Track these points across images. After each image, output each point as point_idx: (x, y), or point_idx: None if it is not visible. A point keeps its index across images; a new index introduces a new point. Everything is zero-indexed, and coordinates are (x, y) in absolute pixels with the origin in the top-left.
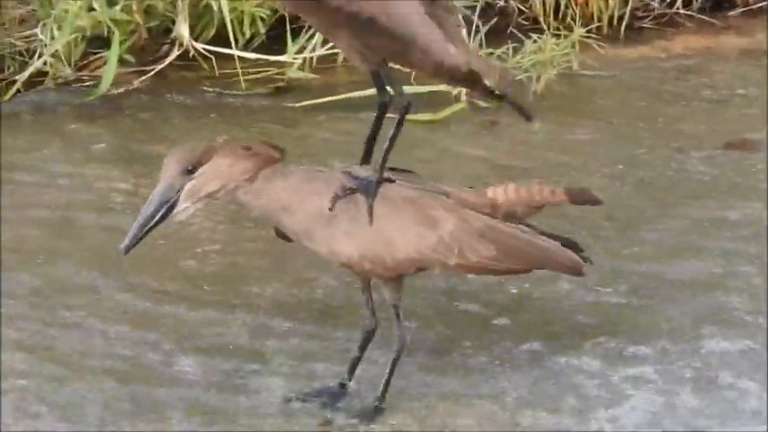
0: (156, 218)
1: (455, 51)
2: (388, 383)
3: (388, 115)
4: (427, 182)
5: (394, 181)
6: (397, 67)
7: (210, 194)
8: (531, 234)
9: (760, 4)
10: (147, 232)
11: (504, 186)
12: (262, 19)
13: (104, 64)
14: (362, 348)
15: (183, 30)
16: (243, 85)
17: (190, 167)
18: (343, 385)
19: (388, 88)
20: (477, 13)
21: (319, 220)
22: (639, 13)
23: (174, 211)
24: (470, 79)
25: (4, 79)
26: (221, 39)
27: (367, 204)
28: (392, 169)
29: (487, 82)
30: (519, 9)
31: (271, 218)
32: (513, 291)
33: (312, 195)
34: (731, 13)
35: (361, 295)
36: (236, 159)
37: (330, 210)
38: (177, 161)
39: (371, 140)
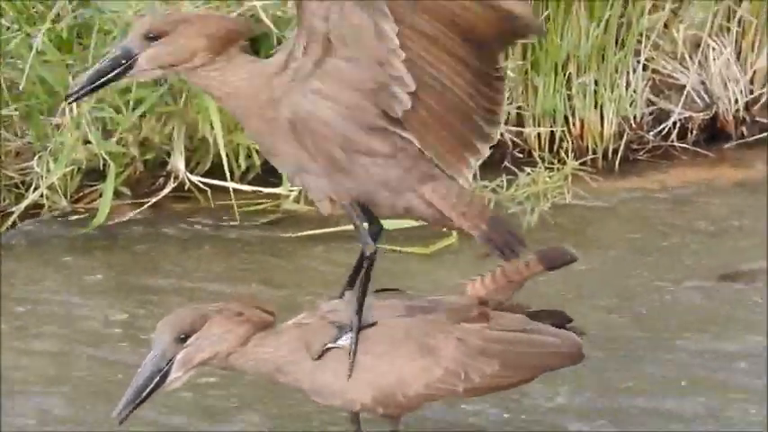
0: (150, 387)
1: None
2: None
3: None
4: (414, 298)
5: (375, 323)
6: None
7: (204, 362)
8: (527, 330)
9: (756, 137)
10: (141, 402)
11: (480, 279)
12: (257, 151)
13: (100, 196)
14: None
15: (178, 162)
16: (238, 217)
17: (182, 335)
18: None
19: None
20: None
21: (321, 375)
22: (634, 146)
23: (168, 379)
24: (446, 224)
25: (1, 211)
26: (217, 170)
27: (349, 358)
28: (381, 290)
29: (462, 226)
30: (513, 142)
31: (267, 378)
32: (508, 418)
33: (306, 355)
34: (727, 145)
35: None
36: (229, 326)
37: (316, 359)
38: (169, 329)
39: (352, 278)
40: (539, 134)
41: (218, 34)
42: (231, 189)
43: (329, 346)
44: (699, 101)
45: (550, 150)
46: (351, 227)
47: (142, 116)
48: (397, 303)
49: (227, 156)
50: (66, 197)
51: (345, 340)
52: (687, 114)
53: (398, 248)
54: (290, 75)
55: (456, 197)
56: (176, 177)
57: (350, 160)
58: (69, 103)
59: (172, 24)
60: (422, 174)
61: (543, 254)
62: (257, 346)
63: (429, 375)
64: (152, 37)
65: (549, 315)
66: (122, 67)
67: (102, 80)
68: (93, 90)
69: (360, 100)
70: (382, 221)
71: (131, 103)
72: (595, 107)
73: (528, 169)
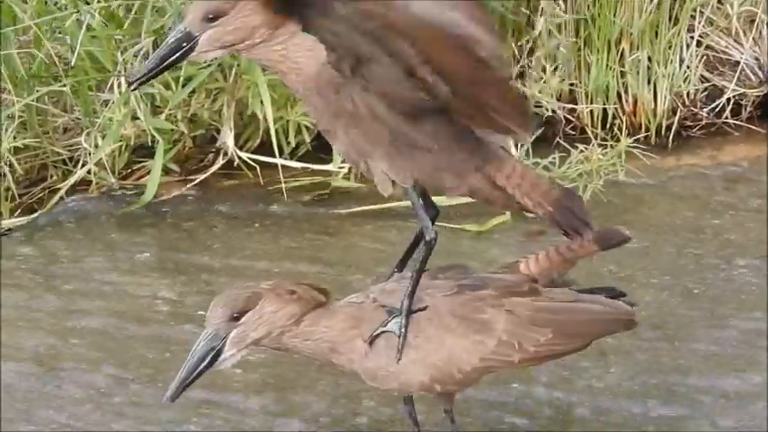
0: (202, 365)
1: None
2: None
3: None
4: (466, 275)
5: (426, 308)
6: None
7: (257, 341)
8: (577, 300)
9: None
10: (194, 380)
11: (534, 257)
12: (307, 128)
13: (148, 173)
14: None
15: (227, 139)
16: (287, 193)
17: (236, 314)
18: None
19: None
20: None
21: (375, 358)
22: (687, 123)
23: (221, 358)
24: (510, 205)
25: (48, 187)
26: (266, 147)
27: (399, 342)
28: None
29: (528, 207)
30: (566, 119)
31: (320, 359)
32: (558, 398)
33: (361, 333)
34: None
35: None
36: (282, 304)
37: (370, 343)
38: (223, 308)
39: (404, 259)
40: (591, 111)
41: (272, 11)
42: (280, 166)
43: (379, 330)
44: (753, 77)
45: (603, 127)
46: (400, 204)
47: (191, 92)
48: (448, 283)
49: (276, 132)
50: (114, 174)
51: (395, 324)
52: (741, 91)
53: (451, 225)
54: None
55: (521, 178)
56: (225, 154)
57: (408, 147)
58: (132, 90)
59: (230, 3)
60: (486, 155)
61: (598, 234)
62: (310, 325)
63: (483, 348)
64: (212, 18)
65: (601, 291)
66: (183, 50)
67: (165, 64)
68: (156, 75)
69: (403, 92)
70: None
71: (181, 79)
72: (648, 84)
73: (581, 146)
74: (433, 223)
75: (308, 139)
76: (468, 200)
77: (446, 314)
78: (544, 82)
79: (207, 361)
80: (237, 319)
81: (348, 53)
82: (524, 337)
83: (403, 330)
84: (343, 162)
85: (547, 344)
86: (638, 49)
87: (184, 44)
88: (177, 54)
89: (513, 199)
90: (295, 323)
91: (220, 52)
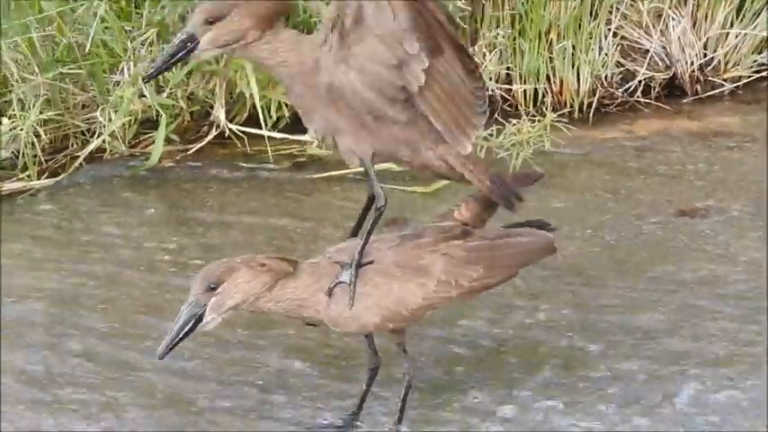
0: (186, 329)
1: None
2: (403, 409)
3: None
4: (406, 227)
5: (372, 262)
6: None
7: (234, 307)
8: (504, 236)
9: (708, 93)
10: (179, 342)
11: (464, 203)
12: (286, 105)
13: (153, 142)
14: (369, 383)
15: (220, 113)
16: (270, 160)
17: (213, 285)
18: (353, 417)
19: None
20: None
21: (335, 307)
22: (606, 101)
23: (202, 322)
24: (455, 178)
25: (69, 154)
26: (252, 120)
27: (350, 290)
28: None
29: (471, 180)
30: (503, 97)
31: (293, 315)
32: (496, 332)
33: (322, 289)
34: (684, 100)
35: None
36: (254, 275)
37: (329, 294)
38: (201, 280)
39: (359, 224)
40: (524, 91)
41: (264, 13)
42: (265, 136)
43: (335, 282)
44: (660, 63)
45: (534, 105)
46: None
47: (189, 74)
48: (391, 236)
49: (261, 108)
50: (124, 143)
51: (347, 275)
52: (650, 74)
53: (403, 188)
54: (327, 47)
55: (465, 157)
56: (218, 126)
57: (375, 123)
58: (146, 82)
59: (226, 9)
60: (437, 136)
61: (515, 175)
62: (281, 289)
63: (425, 289)
64: (210, 21)
65: (528, 224)
66: (188, 49)
67: (173, 60)
68: (166, 70)
69: (383, 72)
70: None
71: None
72: (572, 68)
73: (514, 121)
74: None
75: (287, 114)
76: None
77: (391, 265)
78: (485, 66)
79: (190, 325)
80: (214, 289)
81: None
82: (460, 275)
83: (353, 280)
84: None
85: (480, 278)
86: (564, 38)
87: (188, 44)
88: (183, 52)
89: (457, 174)
90: (268, 290)
91: (219, 50)
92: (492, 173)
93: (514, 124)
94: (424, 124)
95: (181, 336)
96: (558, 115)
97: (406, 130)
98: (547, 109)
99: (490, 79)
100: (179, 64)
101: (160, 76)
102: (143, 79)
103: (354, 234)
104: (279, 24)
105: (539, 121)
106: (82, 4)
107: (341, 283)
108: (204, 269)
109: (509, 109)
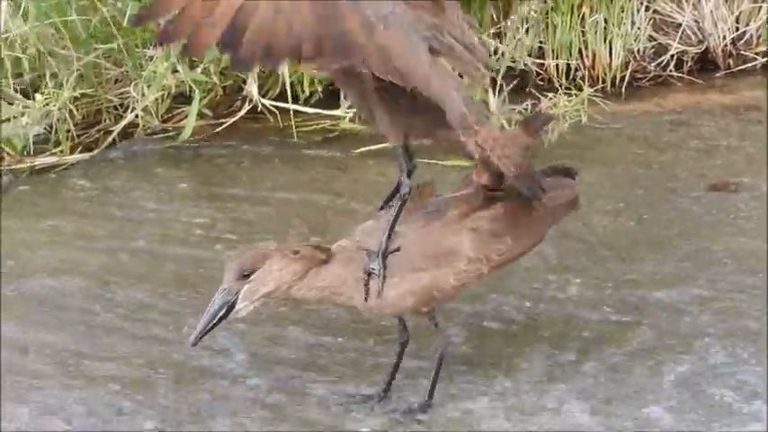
0: (219, 316)
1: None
2: (434, 384)
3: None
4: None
5: (398, 249)
6: None
7: (266, 294)
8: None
9: (740, 68)
10: (211, 329)
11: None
12: (319, 80)
13: (186, 117)
14: (399, 357)
15: (252, 88)
16: (302, 135)
17: (246, 272)
18: (385, 391)
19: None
20: (500, 75)
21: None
22: (638, 75)
23: (234, 310)
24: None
25: (102, 129)
26: (285, 95)
27: (378, 281)
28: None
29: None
30: (536, 72)
31: (326, 302)
32: (528, 306)
33: (353, 276)
34: (716, 74)
35: None
36: (287, 263)
37: (366, 286)
38: (235, 267)
39: (387, 201)
40: (557, 65)
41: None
42: (296, 111)
43: (366, 271)
44: (693, 37)
45: (567, 78)
46: None
47: None
48: (416, 217)
49: (292, 83)
50: (157, 118)
51: (375, 265)
52: (683, 48)
53: (443, 162)
54: None
55: (495, 141)
56: (250, 101)
57: (407, 105)
58: (193, 345)
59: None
60: (475, 118)
61: (525, 122)
62: (313, 277)
63: (456, 270)
64: (246, 275)
65: (554, 171)
66: (227, 308)
67: (215, 320)
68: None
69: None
70: None
71: None
72: (605, 42)
73: (549, 95)
74: (409, 176)
75: (319, 89)
76: None
77: (417, 256)
78: (518, 40)
79: (222, 312)
80: (248, 276)
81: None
82: (489, 250)
83: (381, 270)
84: (348, 108)
85: (509, 249)
86: (596, 12)
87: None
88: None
89: (487, 157)
90: (300, 278)
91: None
92: (521, 162)
93: (550, 98)
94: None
95: (214, 323)
96: (593, 90)
97: (437, 115)
98: (582, 82)
99: (524, 53)
100: None
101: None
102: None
103: (382, 209)
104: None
105: (574, 95)
106: None
107: (372, 271)
108: (236, 256)
109: (542, 83)
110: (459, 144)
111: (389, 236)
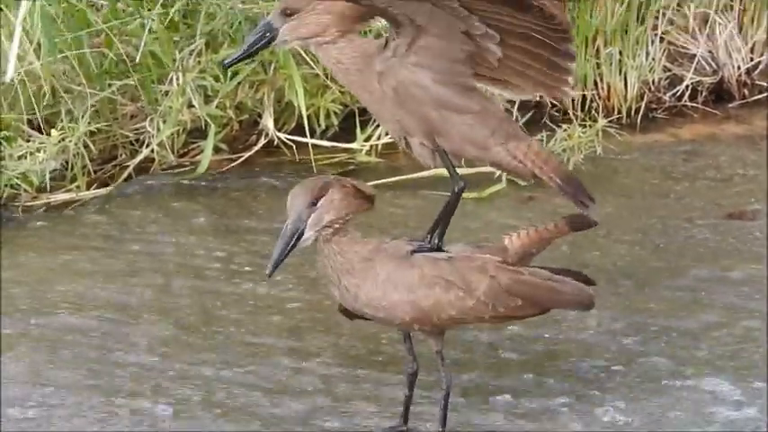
0: (290, 244)
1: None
2: (444, 416)
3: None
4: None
5: (444, 250)
6: None
7: (328, 223)
8: (548, 278)
9: (755, 98)
10: (284, 258)
11: (518, 233)
12: (335, 113)
13: (202, 152)
14: (410, 389)
15: (268, 122)
16: (319, 168)
17: (313, 200)
18: (403, 424)
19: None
20: (516, 107)
21: (377, 287)
22: (653, 106)
23: (303, 238)
24: (526, 175)
25: (118, 165)
26: (301, 129)
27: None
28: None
29: (542, 178)
30: (551, 103)
31: (333, 280)
32: (547, 336)
33: (374, 265)
34: (731, 104)
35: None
36: (345, 194)
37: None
38: (303, 195)
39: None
40: (572, 97)
41: (341, 11)
42: (312, 144)
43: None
44: (707, 67)
45: (582, 110)
46: (414, 175)
47: (238, 84)
48: (462, 248)
49: (308, 117)
50: (173, 152)
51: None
52: (697, 79)
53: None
54: (390, 53)
55: (535, 154)
56: (266, 135)
57: (443, 119)
58: (226, 68)
59: (305, 2)
60: (507, 133)
61: (569, 218)
62: (349, 243)
63: (462, 304)
64: (288, 13)
65: (570, 273)
66: (267, 39)
67: (253, 49)
68: (246, 58)
69: (453, 65)
70: None
71: (229, 72)
72: (620, 73)
73: (564, 126)
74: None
75: (335, 122)
76: (469, 170)
77: (444, 268)
78: None
79: (294, 240)
80: (314, 204)
81: (409, 25)
82: (499, 301)
83: (435, 243)
84: (365, 141)
85: (515, 308)
86: (611, 44)
87: (267, 34)
88: (262, 42)
89: (529, 171)
90: (343, 217)
91: (297, 43)
92: (564, 170)
93: (565, 129)
94: (492, 119)
95: (287, 251)
96: (608, 121)
97: (474, 126)
98: (597, 114)
99: None
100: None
101: (209, 87)
102: (224, 66)
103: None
104: (356, 29)
105: (589, 126)
106: (135, 19)
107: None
108: (301, 185)
109: (557, 114)
110: (496, 161)
111: (443, 232)
